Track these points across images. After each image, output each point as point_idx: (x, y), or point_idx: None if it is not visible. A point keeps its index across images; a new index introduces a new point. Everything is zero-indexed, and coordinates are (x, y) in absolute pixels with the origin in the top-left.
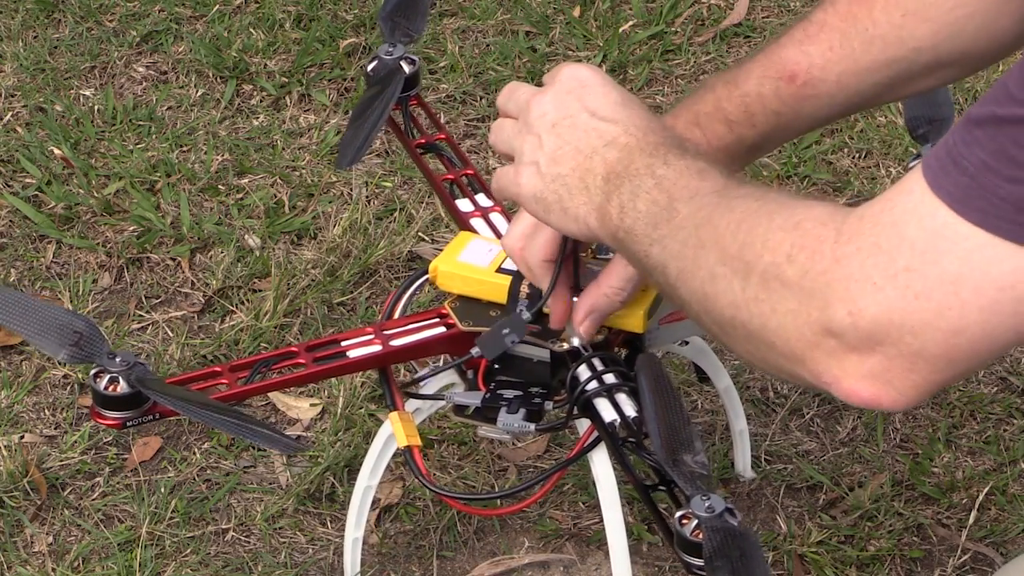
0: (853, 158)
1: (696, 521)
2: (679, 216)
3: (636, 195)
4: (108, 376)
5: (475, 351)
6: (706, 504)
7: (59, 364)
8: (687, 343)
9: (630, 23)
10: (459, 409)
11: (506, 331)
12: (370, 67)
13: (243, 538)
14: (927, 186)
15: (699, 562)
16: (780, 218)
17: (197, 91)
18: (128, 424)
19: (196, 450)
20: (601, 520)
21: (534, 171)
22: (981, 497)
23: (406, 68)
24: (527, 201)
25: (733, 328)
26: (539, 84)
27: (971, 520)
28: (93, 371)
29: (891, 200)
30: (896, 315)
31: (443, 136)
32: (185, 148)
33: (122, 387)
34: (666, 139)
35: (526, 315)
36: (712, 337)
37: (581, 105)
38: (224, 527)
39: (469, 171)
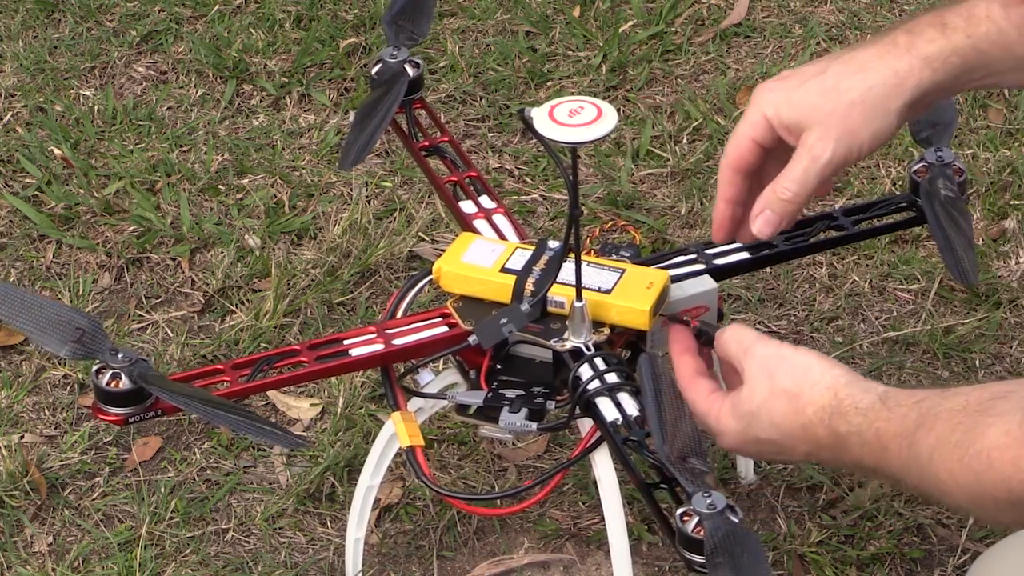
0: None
1: (697, 518)
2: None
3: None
4: (110, 372)
5: (472, 339)
6: (707, 501)
7: (59, 363)
8: None
9: (630, 23)
10: (461, 408)
11: (504, 321)
12: (374, 70)
13: (243, 538)
14: None
15: (700, 559)
16: None
17: (197, 91)
18: (131, 420)
19: (196, 450)
20: (601, 520)
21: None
22: None
23: (410, 71)
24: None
25: None
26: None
27: (971, 520)
28: (95, 367)
29: None
30: None
31: (446, 139)
32: (185, 148)
33: (124, 383)
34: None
35: (525, 307)
36: None
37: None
38: (224, 527)
39: (472, 173)
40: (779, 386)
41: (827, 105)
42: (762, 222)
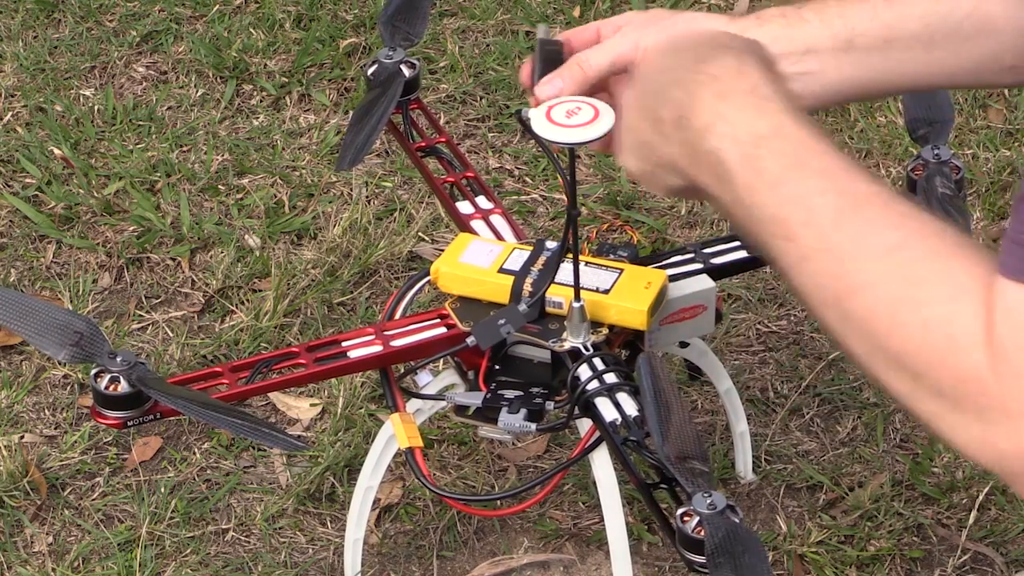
0: (853, 158)
1: (698, 518)
2: (812, 253)
3: (760, 199)
4: (109, 376)
5: (470, 340)
6: (708, 501)
7: (59, 364)
8: (687, 344)
9: None
10: (460, 409)
11: (502, 322)
12: (370, 71)
13: (243, 538)
14: (1014, 284)
15: (701, 559)
16: (926, 311)
17: (197, 91)
18: (129, 424)
19: (196, 450)
20: (601, 520)
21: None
22: (981, 497)
23: (406, 72)
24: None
25: (888, 385)
26: None
27: (971, 520)
28: (94, 371)
29: (999, 321)
30: None
31: (443, 139)
32: (185, 148)
33: (123, 387)
34: (764, 122)
35: (523, 308)
36: None
37: (667, 95)
38: (224, 527)
39: (469, 173)
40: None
41: (655, 16)
42: (550, 87)
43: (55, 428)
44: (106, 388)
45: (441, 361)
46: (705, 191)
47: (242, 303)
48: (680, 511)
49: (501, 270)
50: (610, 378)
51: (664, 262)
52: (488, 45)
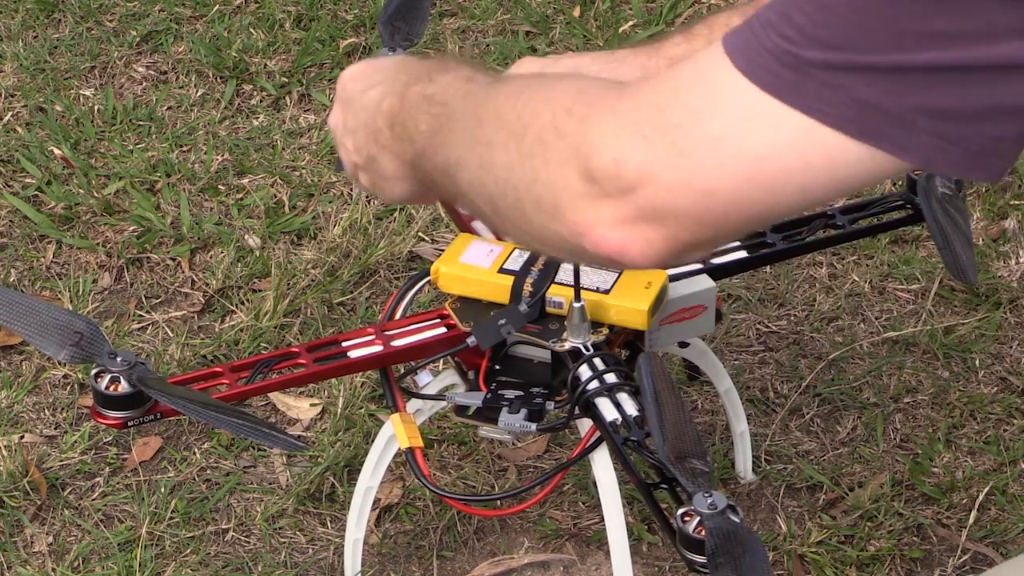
0: None
1: (698, 518)
2: (456, 113)
3: (417, 120)
4: (109, 376)
5: (470, 340)
6: (708, 501)
7: (59, 364)
8: (687, 344)
9: (630, 23)
10: (460, 409)
11: (502, 322)
12: None
13: (243, 538)
14: (721, 50)
15: (701, 559)
16: (562, 84)
17: (197, 91)
18: (129, 424)
19: (196, 450)
20: (601, 520)
21: (361, 173)
22: (981, 497)
23: None
24: (380, 198)
25: (504, 196)
26: None
27: (971, 520)
28: (94, 371)
29: (681, 65)
30: (657, 167)
31: None
32: (185, 148)
33: (123, 387)
34: (426, 64)
35: (523, 308)
36: (488, 222)
37: (352, 95)
38: (224, 527)
39: None
40: None
41: None
42: None
43: (55, 428)
44: (106, 388)
45: (441, 361)
46: (428, 178)
47: (242, 303)
48: (680, 511)
49: (501, 270)
50: (610, 378)
51: None
52: (488, 45)
